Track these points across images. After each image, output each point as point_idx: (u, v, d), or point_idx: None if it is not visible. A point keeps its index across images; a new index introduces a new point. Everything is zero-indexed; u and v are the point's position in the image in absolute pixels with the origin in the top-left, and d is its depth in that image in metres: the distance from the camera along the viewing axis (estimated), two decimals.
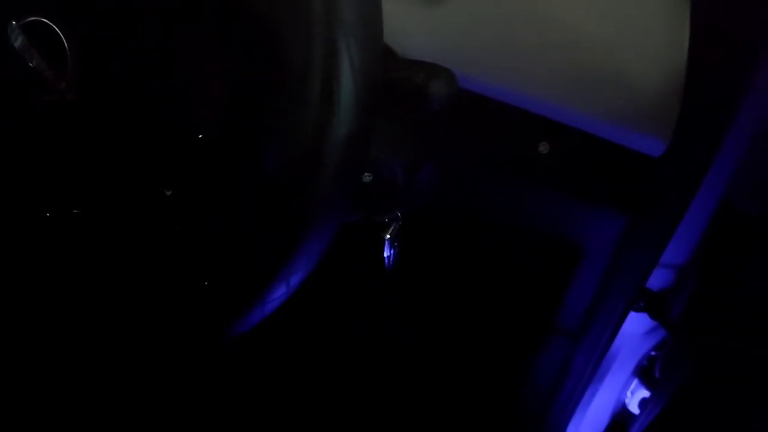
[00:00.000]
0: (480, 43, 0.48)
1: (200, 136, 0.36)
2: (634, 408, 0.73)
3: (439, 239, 0.66)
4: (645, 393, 0.72)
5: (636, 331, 0.68)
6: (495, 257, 0.66)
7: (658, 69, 0.47)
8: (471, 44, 0.49)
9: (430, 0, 0.49)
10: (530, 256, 0.65)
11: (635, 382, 0.73)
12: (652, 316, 0.64)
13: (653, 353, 0.71)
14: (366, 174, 0.48)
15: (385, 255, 0.54)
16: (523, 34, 0.48)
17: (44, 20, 0.35)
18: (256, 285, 0.34)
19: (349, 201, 0.44)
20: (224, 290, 0.35)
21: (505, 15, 0.48)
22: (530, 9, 0.48)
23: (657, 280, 0.63)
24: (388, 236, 0.53)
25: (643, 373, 0.72)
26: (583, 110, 0.48)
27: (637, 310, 0.64)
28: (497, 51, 0.48)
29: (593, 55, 0.47)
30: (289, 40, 0.31)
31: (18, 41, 0.35)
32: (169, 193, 0.36)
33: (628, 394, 0.74)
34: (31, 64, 0.35)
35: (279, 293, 0.35)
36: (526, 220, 0.61)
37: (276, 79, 0.32)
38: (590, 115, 0.48)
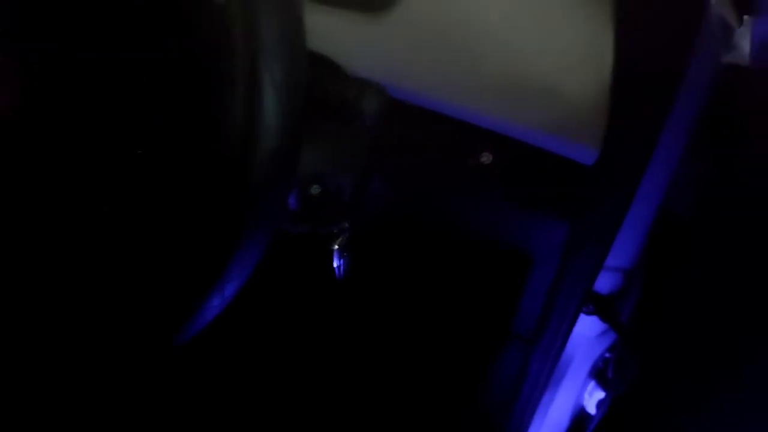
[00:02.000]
0: (418, 57, 0.50)
1: (139, 152, 0.37)
2: (591, 409, 0.74)
3: (390, 249, 0.67)
4: (601, 394, 0.73)
5: (589, 334, 0.70)
6: (447, 265, 0.68)
7: (584, 78, 0.49)
8: (410, 58, 0.50)
9: (371, 15, 0.51)
10: (482, 264, 0.67)
11: (592, 383, 0.74)
12: (602, 319, 0.66)
13: (607, 355, 0.73)
14: (314, 186, 0.49)
15: (335, 265, 0.55)
16: (459, 47, 0.49)
17: None
18: (190, 297, 0.35)
19: (285, 213, 0.45)
20: (159, 303, 0.36)
21: (442, 30, 0.50)
22: (465, 23, 0.50)
23: (605, 283, 0.65)
24: (337, 247, 0.54)
25: (599, 374, 0.73)
26: (515, 120, 0.50)
27: (588, 313, 0.66)
28: (435, 64, 0.50)
29: (522, 66, 0.49)
30: (216, 59, 0.33)
31: None
32: (106, 209, 0.37)
33: (586, 395, 0.75)
34: None
35: (214, 303, 0.37)
36: (475, 229, 0.63)
37: (205, 96, 0.33)
38: (523, 125, 0.50)
